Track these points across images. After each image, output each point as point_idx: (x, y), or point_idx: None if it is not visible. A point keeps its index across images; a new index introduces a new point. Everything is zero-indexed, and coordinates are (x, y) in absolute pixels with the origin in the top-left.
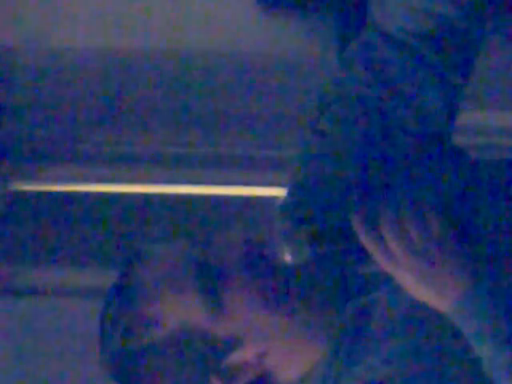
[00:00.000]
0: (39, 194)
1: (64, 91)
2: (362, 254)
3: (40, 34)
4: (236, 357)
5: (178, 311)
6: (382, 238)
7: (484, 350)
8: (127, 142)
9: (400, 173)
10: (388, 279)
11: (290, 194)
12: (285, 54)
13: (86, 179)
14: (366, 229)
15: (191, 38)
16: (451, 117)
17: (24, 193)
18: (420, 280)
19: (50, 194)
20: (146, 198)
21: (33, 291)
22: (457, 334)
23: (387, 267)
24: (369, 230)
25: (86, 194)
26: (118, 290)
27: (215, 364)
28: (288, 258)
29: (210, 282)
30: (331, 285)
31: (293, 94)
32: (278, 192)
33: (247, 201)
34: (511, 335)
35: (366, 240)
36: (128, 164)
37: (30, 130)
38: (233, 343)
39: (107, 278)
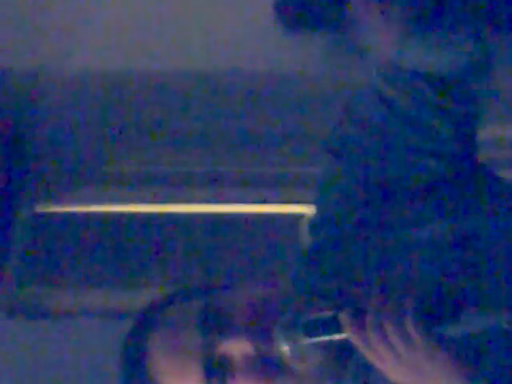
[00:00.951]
0: (65, 216)
1: (88, 113)
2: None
3: (61, 57)
4: None
5: None
6: (368, 340)
7: None
8: (152, 162)
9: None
10: None
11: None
12: (306, 73)
13: (112, 200)
14: (352, 328)
15: (210, 58)
16: (466, 142)
17: (50, 214)
18: (406, 380)
19: (75, 215)
20: (174, 218)
21: (59, 313)
22: None
23: (375, 364)
24: (355, 329)
25: (113, 215)
26: (129, 370)
27: None
28: (286, 348)
29: (217, 373)
30: (332, 365)
31: (314, 112)
32: (303, 210)
33: (271, 218)
34: None
35: (353, 339)
36: (154, 184)
37: (55, 152)
38: None
39: (135, 299)
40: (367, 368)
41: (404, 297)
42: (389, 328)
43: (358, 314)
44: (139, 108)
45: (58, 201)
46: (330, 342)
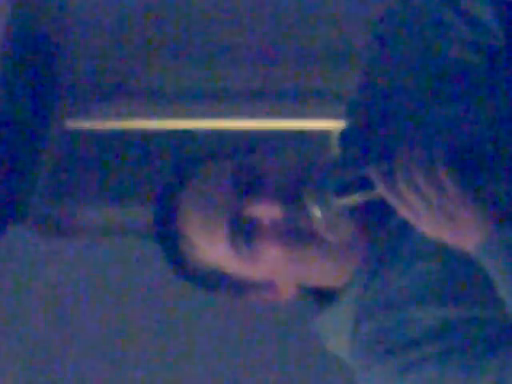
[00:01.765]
0: (96, 132)
1: (117, 28)
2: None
3: None
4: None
5: (213, 257)
6: (399, 192)
7: (503, 294)
8: (182, 77)
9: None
10: None
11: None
12: None
13: (142, 115)
14: (383, 181)
15: None
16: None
17: (80, 130)
18: (438, 230)
19: (106, 131)
20: (201, 134)
21: (87, 229)
22: None
23: (407, 217)
24: (385, 183)
25: (143, 131)
26: (160, 224)
27: (250, 292)
28: (317, 212)
29: (245, 235)
30: (364, 230)
31: (346, 28)
32: (332, 125)
33: (300, 134)
34: None
35: (384, 194)
36: (183, 99)
37: (85, 68)
38: (265, 284)
39: None
40: (398, 239)
41: (434, 145)
42: (420, 176)
43: (389, 169)
44: (164, 25)
45: (90, 116)
46: (361, 209)
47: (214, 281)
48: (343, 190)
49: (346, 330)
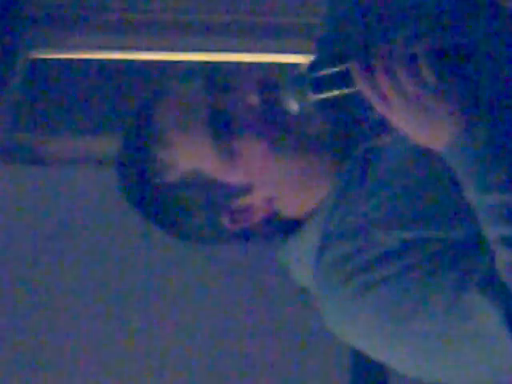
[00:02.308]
0: (61, 62)
1: None
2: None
3: None
4: (245, 200)
5: (191, 158)
6: (377, 84)
7: (471, 192)
8: (149, 8)
9: None
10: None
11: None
12: None
13: (109, 47)
14: (362, 75)
15: None
16: None
17: (46, 61)
18: (413, 124)
19: (72, 61)
20: (171, 67)
21: (53, 160)
22: (453, 181)
23: (383, 112)
24: (364, 77)
25: (108, 62)
26: (135, 131)
27: (224, 207)
28: (294, 106)
29: (223, 130)
30: (338, 128)
31: None
32: (299, 59)
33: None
34: (497, 181)
35: (362, 86)
36: (150, 31)
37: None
38: (242, 189)
39: None
40: (363, 167)
41: (415, 40)
42: (398, 67)
43: (368, 64)
44: None
45: (55, 47)
46: (337, 107)
47: (191, 190)
48: (321, 85)
49: (310, 259)
